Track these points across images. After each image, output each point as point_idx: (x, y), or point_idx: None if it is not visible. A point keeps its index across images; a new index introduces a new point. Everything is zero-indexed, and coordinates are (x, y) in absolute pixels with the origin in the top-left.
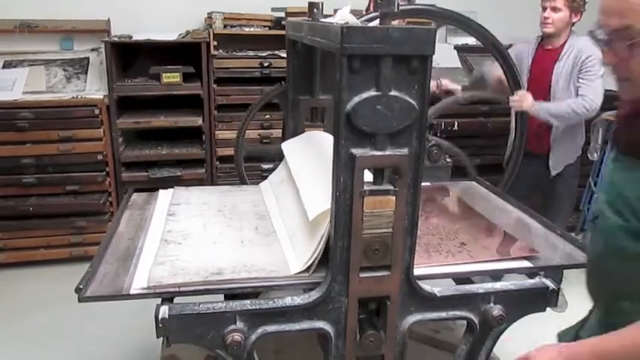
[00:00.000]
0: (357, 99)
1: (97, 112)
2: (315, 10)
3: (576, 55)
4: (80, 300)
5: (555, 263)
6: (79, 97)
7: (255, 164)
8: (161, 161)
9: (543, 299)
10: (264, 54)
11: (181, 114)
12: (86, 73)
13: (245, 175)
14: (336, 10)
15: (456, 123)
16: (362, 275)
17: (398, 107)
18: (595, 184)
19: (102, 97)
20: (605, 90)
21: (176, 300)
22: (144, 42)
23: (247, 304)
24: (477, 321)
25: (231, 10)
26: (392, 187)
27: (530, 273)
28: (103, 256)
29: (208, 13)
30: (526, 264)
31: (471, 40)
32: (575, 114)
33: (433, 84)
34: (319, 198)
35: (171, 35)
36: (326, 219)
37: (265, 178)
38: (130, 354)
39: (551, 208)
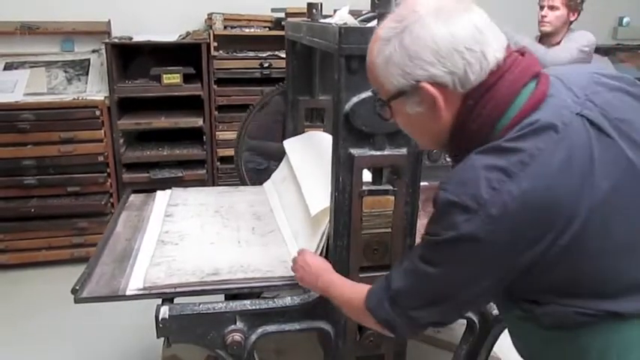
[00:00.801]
0: (355, 99)
1: (97, 113)
2: (314, 10)
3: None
4: (76, 301)
5: None
6: (80, 98)
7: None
8: (162, 162)
9: None
10: (264, 55)
11: (182, 115)
12: (87, 74)
13: (245, 176)
14: (335, 11)
15: None
16: (361, 275)
17: None
18: None
19: (103, 98)
20: None
21: (176, 300)
22: (144, 43)
23: (247, 304)
24: (477, 320)
25: (231, 11)
26: (391, 187)
27: None
28: (100, 257)
29: (208, 14)
30: None
31: None
32: None
33: None
34: (320, 195)
35: (171, 36)
36: (327, 216)
37: (261, 179)
38: (131, 354)
39: None
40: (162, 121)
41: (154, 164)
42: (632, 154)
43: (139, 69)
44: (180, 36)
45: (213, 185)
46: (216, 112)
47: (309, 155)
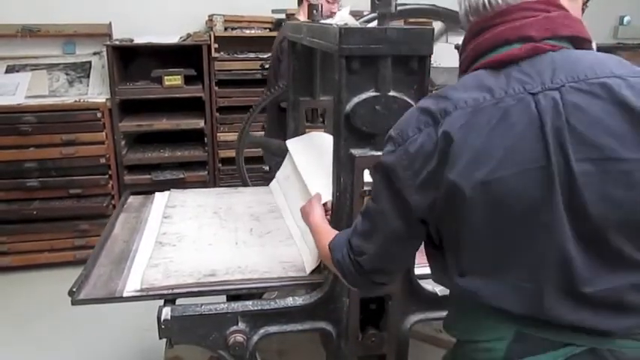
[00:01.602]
0: (356, 100)
1: (99, 115)
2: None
3: None
4: (73, 303)
5: None
6: (82, 100)
7: (256, 166)
8: (164, 164)
9: None
10: (264, 56)
11: (183, 116)
12: (88, 76)
13: (247, 177)
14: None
15: None
16: None
17: (397, 107)
18: None
19: (104, 100)
20: None
21: (178, 301)
22: (145, 45)
23: (249, 304)
24: None
25: (231, 12)
26: None
27: None
28: (97, 258)
29: (209, 16)
30: None
31: None
32: None
33: None
34: (326, 190)
35: (172, 38)
36: None
37: (267, 179)
38: (133, 356)
39: None
40: (163, 123)
41: (155, 166)
42: (555, 159)
43: (140, 71)
44: (180, 38)
45: (215, 186)
46: (217, 114)
47: (312, 155)
